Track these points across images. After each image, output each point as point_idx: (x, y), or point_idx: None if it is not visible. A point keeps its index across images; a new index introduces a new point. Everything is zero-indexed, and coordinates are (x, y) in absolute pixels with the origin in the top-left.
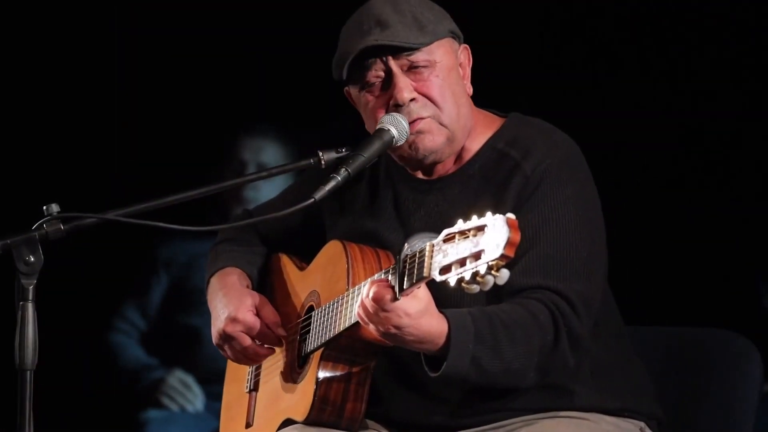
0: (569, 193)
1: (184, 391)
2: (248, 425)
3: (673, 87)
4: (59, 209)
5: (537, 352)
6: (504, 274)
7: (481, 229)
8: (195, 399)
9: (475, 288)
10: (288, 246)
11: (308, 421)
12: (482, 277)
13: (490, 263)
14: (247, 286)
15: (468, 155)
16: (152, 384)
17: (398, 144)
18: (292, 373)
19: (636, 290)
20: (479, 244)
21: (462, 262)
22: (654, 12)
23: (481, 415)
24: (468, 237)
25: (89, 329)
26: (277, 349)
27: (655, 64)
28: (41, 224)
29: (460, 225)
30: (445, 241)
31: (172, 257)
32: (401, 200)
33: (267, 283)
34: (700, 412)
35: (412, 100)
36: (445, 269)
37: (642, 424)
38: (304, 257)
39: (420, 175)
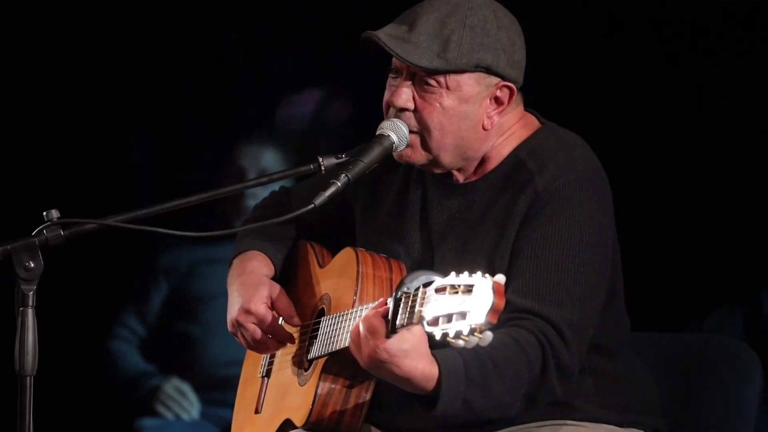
0: (576, 216)
1: (180, 399)
2: (257, 411)
3: (675, 93)
4: (59, 215)
5: (525, 384)
6: (487, 337)
7: (469, 288)
8: (190, 407)
9: (460, 343)
10: (324, 229)
11: (306, 427)
12: (466, 336)
13: (472, 326)
14: (269, 273)
15: (493, 164)
16: (149, 391)
17: (398, 150)
18: (299, 372)
19: (637, 296)
20: (465, 303)
21: (449, 318)
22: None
23: (481, 427)
24: (458, 293)
25: (89, 335)
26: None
27: (662, 66)
28: (41, 230)
29: (452, 279)
30: (437, 291)
31: (172, 265)
32: (428, 200)
33: (290, 271)
34: (700, 419)
35: (405, 109)
36: (432, 321)
37: None
38: (334, 246)
39: (446, 176)
